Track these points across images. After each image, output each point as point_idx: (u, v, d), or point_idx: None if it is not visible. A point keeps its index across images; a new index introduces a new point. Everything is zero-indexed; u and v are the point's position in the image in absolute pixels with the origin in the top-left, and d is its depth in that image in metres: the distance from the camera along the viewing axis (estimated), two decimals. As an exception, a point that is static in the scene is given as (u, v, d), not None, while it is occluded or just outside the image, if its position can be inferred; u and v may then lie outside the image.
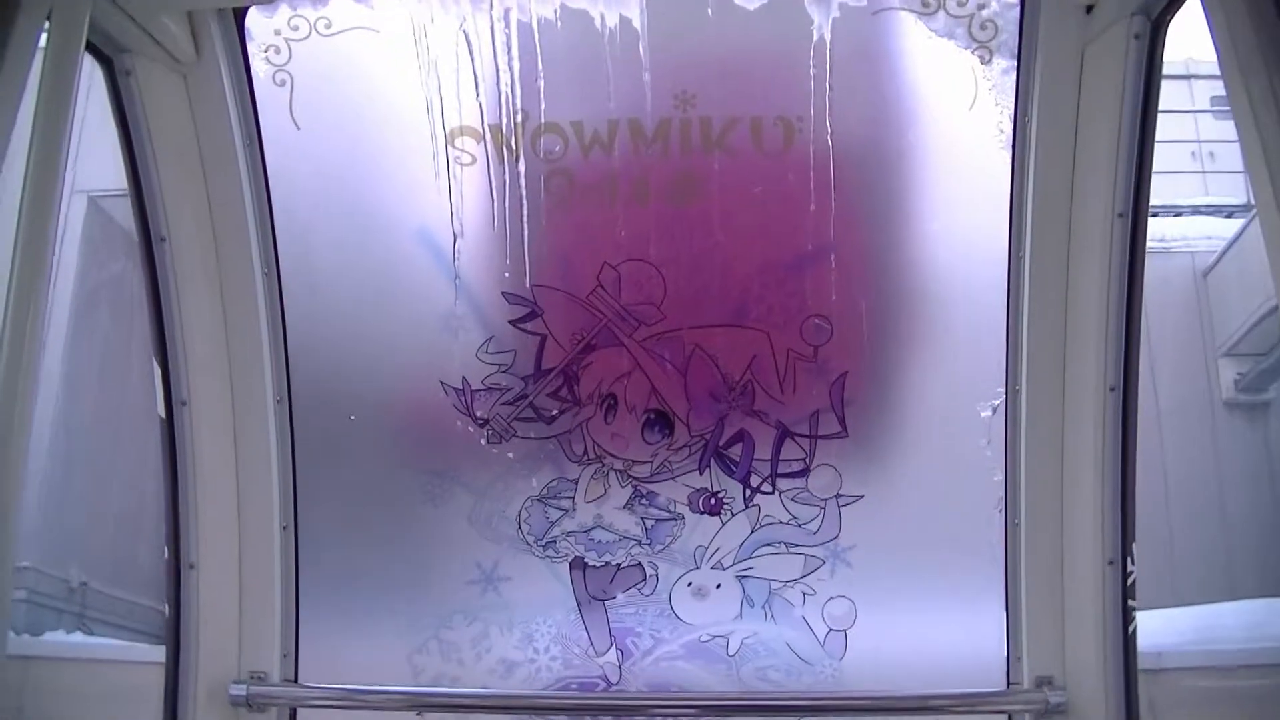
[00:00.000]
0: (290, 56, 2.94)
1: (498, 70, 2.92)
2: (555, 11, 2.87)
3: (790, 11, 2.86)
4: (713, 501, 3.09)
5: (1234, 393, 11.68)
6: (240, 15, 2.88)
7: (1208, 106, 13.74)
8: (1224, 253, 11.62)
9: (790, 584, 3.09)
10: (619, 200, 3.00)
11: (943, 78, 2.91)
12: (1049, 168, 2.84)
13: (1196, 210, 12.87)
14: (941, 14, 2.85)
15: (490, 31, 2.89)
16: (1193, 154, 14.01)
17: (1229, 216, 12.43)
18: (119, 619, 10.49)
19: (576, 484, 3.11)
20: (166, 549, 3.04)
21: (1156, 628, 8.15)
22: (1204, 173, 13.88)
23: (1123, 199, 2.76)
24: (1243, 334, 11.24)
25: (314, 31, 2.92)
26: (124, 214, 10.02)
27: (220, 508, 3.07)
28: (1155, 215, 11.29)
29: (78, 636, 9.74)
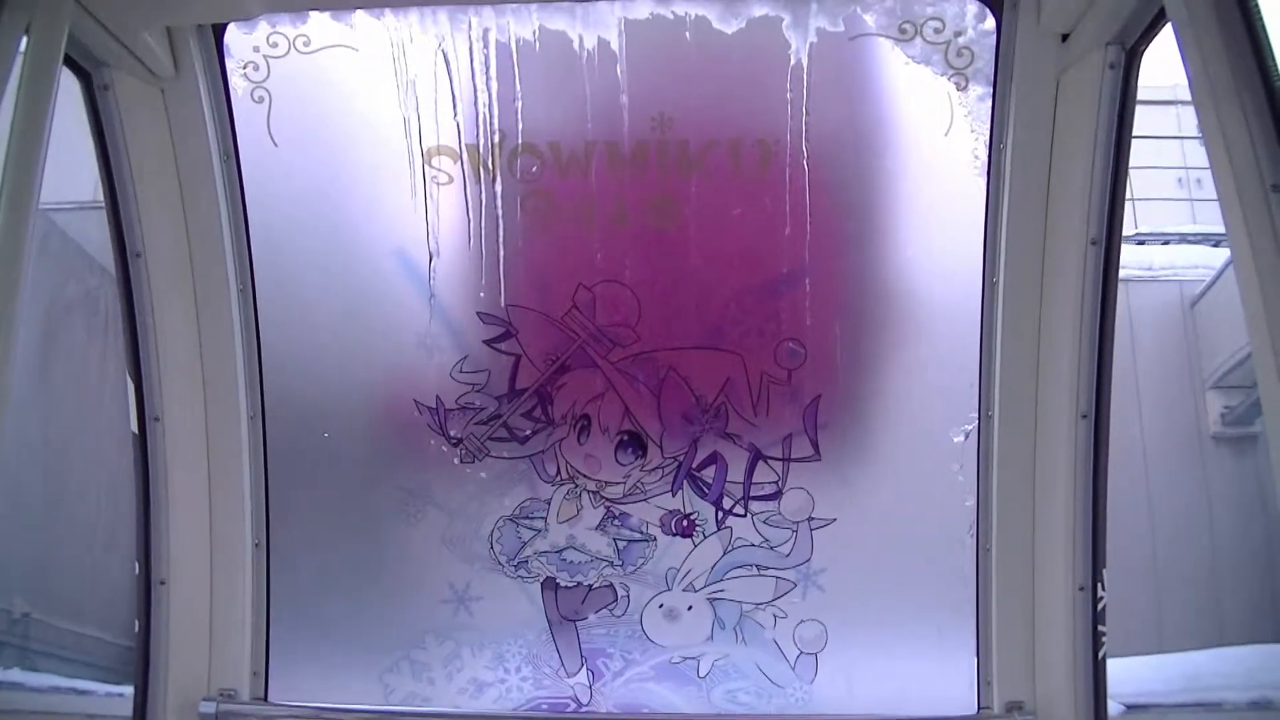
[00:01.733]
0: (269, 73, 2.94)
1: (476, 90, 2.92)
2: (534, 33, 2.88)
3: (768, 36, 2.86)
4: (685, 523, 3.09)
5: (1221, 426, 11.59)
6: (219, 31, 2.89)
7: (1194, 133, 13.71)
8: (1212, 282, 11.45)
9: (761, 607, 3.09)
10: (595, 221, 3.01)
11: (919, 104, 2.91)
12: (1023, 194, 2.85)
13: (1184, 238, 12.81)
14: (918, 40, 2.86)
15: (469, 51, 2.90)
16: (1179, 180, 13.99)
17: (1216, 245, 12.36)
18: (68, 652, 10.20)
19: (549, 504, 3.11)
20: (137, 565, 3.03)
21: (1145, 675, 8.10)
22: (1191, 200, 13.88)
23: (1096, 226, 2.77)
24: (1231, 366, 11.13)
25: (293, 49, 2.92)
26: (76, 228, 9.89)
27: (192, 524, 3.07)
28: (1142, 243, 11.23)
29: (16, 673, 9.30)
